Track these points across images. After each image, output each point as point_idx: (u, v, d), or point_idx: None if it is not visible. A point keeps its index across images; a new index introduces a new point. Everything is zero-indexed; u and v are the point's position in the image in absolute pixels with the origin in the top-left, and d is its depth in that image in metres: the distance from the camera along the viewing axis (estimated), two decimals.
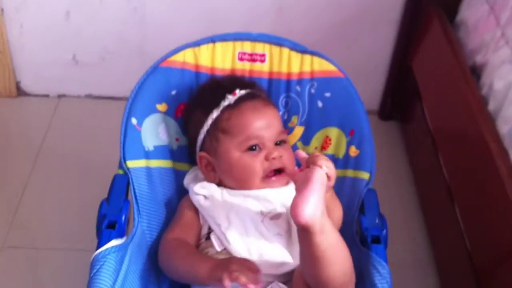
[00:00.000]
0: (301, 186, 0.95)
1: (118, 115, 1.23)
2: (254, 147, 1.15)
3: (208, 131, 1.18)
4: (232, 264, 1.02)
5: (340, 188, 1.23)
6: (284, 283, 1.09)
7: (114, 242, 1.06)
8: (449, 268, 1.55)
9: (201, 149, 1.21)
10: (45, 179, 1.81)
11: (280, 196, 1.15)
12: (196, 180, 1.22)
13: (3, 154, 1.90)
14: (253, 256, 1.09)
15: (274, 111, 1.19)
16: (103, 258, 1.03)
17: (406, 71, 1.91)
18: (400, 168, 1.92)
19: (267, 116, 1.16)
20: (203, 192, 1.17)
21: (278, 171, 1.15)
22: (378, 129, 1.26)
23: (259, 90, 1.23)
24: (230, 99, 1.17)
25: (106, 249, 1.04)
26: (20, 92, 2.08)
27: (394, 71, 2.01)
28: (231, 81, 1.22)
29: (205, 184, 1.19)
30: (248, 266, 1.01)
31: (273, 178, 1.15)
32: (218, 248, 1.11)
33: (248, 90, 1.19)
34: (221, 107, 1.17)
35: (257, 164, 1.14)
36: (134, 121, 1.21)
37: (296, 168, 1.23)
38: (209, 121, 1.18)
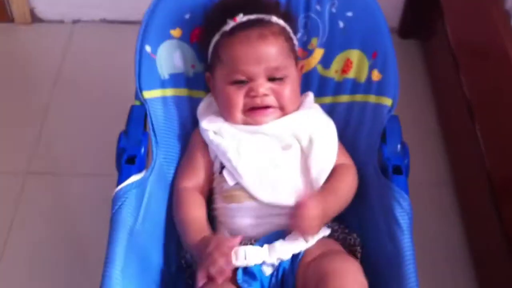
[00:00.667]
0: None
1: (134, 39, 1.20)
2: (240, 80, 1.12)
3: (212, 53, 1.16)
4: (208, 257, 0.99)
5: (362, 114, 1.21)
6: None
7: (134, 178, 1.06)
8: (467, 187, 1.55)
9: (209, 70, 1.19)
10: (64, 105, 1.82)
11: (289, 126, 1.14)
12: (210, 108, 1.20)
13: (21, 82, 1.89)
14: (266, 189, 1.09)
15: (272, 44, 1.11)
16: (125, 195, 1.03)
17: None
18: (421, 88, 1.87)
19: (259, 49, 1.10)
20: (212, 127, 1.15)
21: (267, 107, 1.12)
22: (397, 48, 1.20)
23: (275, 12, 1.16)
24: (228, 25, 1.13)
25: (127, 185, 1.04)
26: (34, 18, 2.05)
27: None
28: (245, 2, 1.15)
29: (213, 118, 1.16)
30: (221, 252, 0.99)
31: (255, 112, 1.12)
32: (230, 182, 1.11)
33: (252, 16, 1.12)
34: (220, 32, 1.13)
35: (238, 98, 1.12)
36: (148, 49, 1.18)
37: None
38: (211, 45, 1.15)
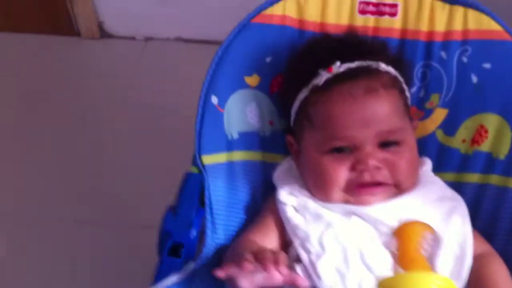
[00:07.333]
0: None
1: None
2: (341, 149, 0.89)
3: (297, 113, 0.95)
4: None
5: (498, 203, 0.96)
6: None
7: (175, 278, 0.83)
8: None
9: (292, 132, 0.98)
10: (128, 129, 1.71)
11: (401, 212, 0.87)
12: (289, 174, 0.97)
13: (85, 102, 1.79)
14: None
15: (384, 100, 0.89)
16: None
17: None
18: None
19: (367, 107, 0.88)
20: (292, 201, 0.92)
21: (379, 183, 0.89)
22: None
23: (382, 57, 0.93)
24: (321, 76, 0.90)
25: None
26: (103, 33, 1.97)
27: None
28: (341, 45, 0.94)
29: (296, 187, 0.93)
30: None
31: (362, 189, 0.88)
32: (304, 284, 0.84)
33: (352, 64, 0.90)
34: (310, 86, 0.92)
35: (340, 172, 0.88)
36: (214, 100, 0.97)
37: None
38: (296, 103, 0.94)
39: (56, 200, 1.55)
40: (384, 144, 0.88)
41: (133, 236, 1.45)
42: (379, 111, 0.88)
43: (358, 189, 0.88)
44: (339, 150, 0.88)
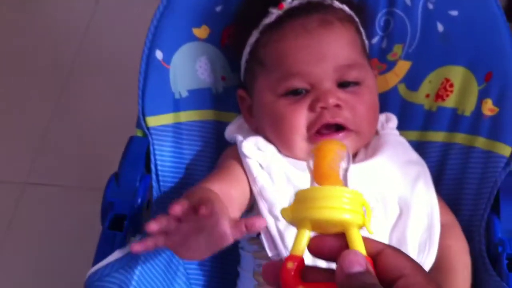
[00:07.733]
0: None
1: None
2: (298, 90, 0.81)
3: (247, 61, 0.87)
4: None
5: (463, 163, 0.88)
6: None
7: (117, 254, 0.73)
8: None
9: (243, 86, 0.90)
10: (85, 84, 1.60)
11: (367, 176, 0.80)
12: (244, 131, 0.88)
13: (39, 56, 1.68)
14: None
15: (340, 33, 0.82)
16: (101, 282, 0.70)
17: None
18: None
19: (322, 40, 0.81)
20: (258, 157, 0.81)
21: (340, 128, 0.81)
22: None
23: None
24: (272, 15, 0.83)
25: (105, 267, 0.71)
26: None
27: None
28: None
29: (261, 141, 0.83)
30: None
31: (322, 138, 0.79)
32: (269, 252, 0.77)
33: (304, 0, 0.83)
34: (260, 27, 0.84)
35: (298, 114, 0.80)
36: (159, 55, 0.88)
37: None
38: (247, 48, 0.86)
39: (6, 161, 1.45)
40: (343, 85, 0.81)
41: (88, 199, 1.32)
42: (336, 43, 0.81)
43: (318, 138, 0.80)
44: (295, 93, 0.81)
